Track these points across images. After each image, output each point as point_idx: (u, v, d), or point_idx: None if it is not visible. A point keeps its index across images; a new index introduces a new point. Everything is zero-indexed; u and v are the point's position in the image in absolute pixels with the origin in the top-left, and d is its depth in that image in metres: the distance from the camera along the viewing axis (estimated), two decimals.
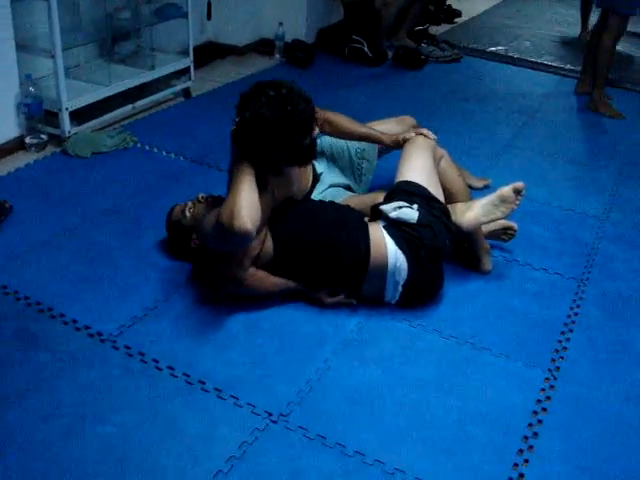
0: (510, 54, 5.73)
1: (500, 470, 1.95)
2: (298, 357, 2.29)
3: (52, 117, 3.53)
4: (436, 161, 2.70)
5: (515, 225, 2.87)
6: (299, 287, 2.50)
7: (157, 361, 2.23)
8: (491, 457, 1.99)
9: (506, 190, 2.62)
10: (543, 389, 2.25)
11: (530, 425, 2.10)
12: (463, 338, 2.44)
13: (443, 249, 2.50)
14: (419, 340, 2.42)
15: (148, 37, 4.16)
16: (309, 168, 2.78)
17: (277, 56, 5.20)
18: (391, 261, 2.42)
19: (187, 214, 2.60)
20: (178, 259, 2.70)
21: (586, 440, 2.07)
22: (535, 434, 2.07)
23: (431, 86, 4.97)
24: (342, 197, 2.83)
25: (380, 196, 2.64)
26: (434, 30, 6.14)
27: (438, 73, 5.24)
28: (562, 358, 2.39)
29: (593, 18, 5.48)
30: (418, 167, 2.63)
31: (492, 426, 2.09)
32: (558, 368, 2.34)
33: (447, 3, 6.59)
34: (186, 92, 4.35)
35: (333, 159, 2.99)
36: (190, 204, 2.62)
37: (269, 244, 2.42)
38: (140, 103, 3.97)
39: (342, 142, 3.00)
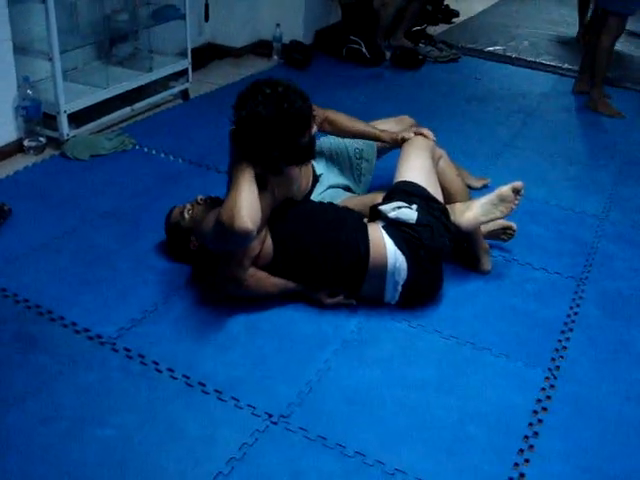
0: (508, 54, 5.73)
1: (501, 470, 1.95)
2: (298, 358, 2.29)
3: (50, 120, 3.53)
4: (435, 161, 2.71)
5: (514, 225, 2.87)
6: (299, 288, 2.50)
7: (157, 363, 2.22)
8: (492, 457, 1.98)
9: (505, 190, 2.61)
10: (543, 388, 2.25)
11: (530, 425, 2.10)
12: (463, 338, 2.44)
13: (442, 249, 2.50)
14: (419, 340, 2.42)
15: (146, 39, 4.16)
16: (309, 169, 2.79)
17: (275, 57, 5.20)
18: (390, 261, 2.42)
19: (186, 216, 2.59)
20: (177, 261, 2.70)
21: (587, 439, 2.07)
22: (535, 434, 2.07)
23: (429, 86, 4.97)
24: (341, 198, 2.83)
25: (379, 196, 2.64)
26: (432, 30, 6.14)
27: (436, 73, 5.25)
28: (562, 357, 2.39)
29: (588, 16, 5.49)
30: (417, 167, 2.63)
31: (492, 426, 2.09)
32: (558, 367, 2.34)
33: (445, 3, 6.59)
34: (184, 94, 4.35)
35: (332, 160, 2.99)
36: (189, 206, 2.62)
37: (269, 245, 2.42)
38: (138, 105, 3.97)
39: (341, 143, 3.00)
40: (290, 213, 2.50)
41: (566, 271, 2.86)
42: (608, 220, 3.30)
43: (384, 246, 2.43)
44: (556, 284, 2.79)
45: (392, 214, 2.47)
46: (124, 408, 2.05)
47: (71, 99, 3.53)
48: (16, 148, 3.51)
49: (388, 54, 5.38)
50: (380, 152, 3.08)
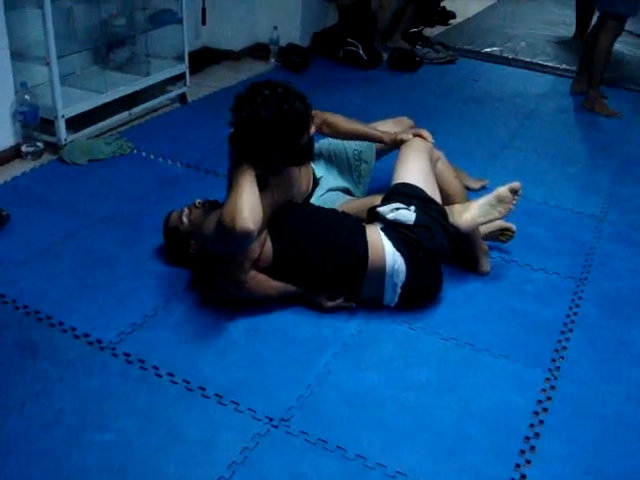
0: (505, 55, 5.74)
1: (502, 471, 1.95)
2: (298, 361, 2.29)
3: (48, 125, 3.53)
4: (433, 163, 2.71)
5: (513, 226, 2.87)
6: (298, 291, 2.50)
7: (157, 368, 2.22)
8: (493, 458, 1.98)
9: (503, 190, 2.62)
10: (544, 389, 2.25)
11: (531, 426, 2.10)
12: (463, 339, 2.44)
13: (441, 250, 2.50)
14: (419, 342, 2.42)
15: (143, 43, 4.16)
16: (309, 171, 2.79)
17: (272, 60, 5.20)
18: (389, 263, 2.42)
19: (184, 220, 2.59)
20: (176, 265, 2.70)
21: (587, 440, 2.07)
22: (536, 434, 2.07)
23: (426, 88, 4.97)
24: (340, 201, 2.83)
25: (377, 199, 2.64)
26: (428, 32, 6.15)
27: (433, 75, 5.25)
28: (562, 358, 2.39)
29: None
30: (415, 169, 2.63)
31: (493, 427, 2.08)
32: (558, 368, 2.34)
33: (441, 5, 6.59)
34: (182, 98, 4.35)
35: (331, 162, 2.99)
36: (187, 210, 2.62)
37: (268, 248, 2.42)
38: (136, 109, 3.97)
39: (340, 144, 3.00)
40: (289, 216, 2.50)
41: (565, 271, 2.86)
42: (607, 220, 3.30)
43: (382, 248, 2.43)
44: (555, 285, 2.79)
45: (390, 215, 2.47)
46: (124, 413, 2.05)
47: (69, 104, 3.53)
48: (14, 153, 3.51)
49: (385, 56, 5.39)
50: (379, 154, 3.08)
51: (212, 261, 2.51)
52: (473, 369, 2.32)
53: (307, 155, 2.46)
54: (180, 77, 4.29)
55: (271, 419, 2.06)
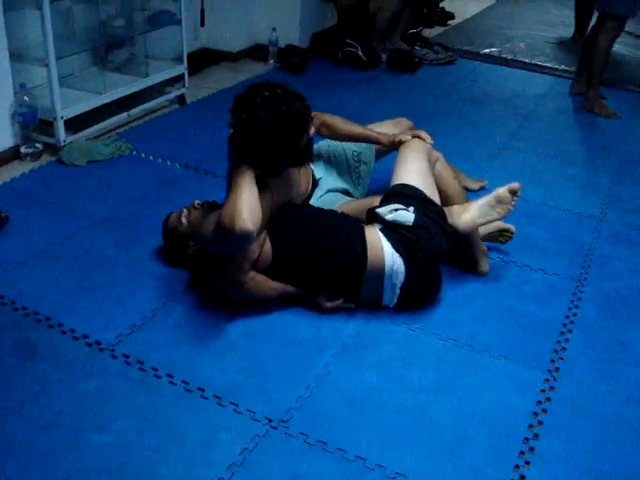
0: (504, 56, 5.74)
1: (501, 472, 1.95)
2: (297, 362, 2.29)
3: (47, 126, 3.53)
4: (431, 164, 2.71)
5: (513, 227, 2.88)
6: (298, 292, 2.50)
7: (156, 369, 2.22)
8: (492, 459, 1.98)
9: (502, 191, 2.62)
10: (543, 390, 2.25)
11: (531, 426, 2.10)
12: (462, 340, 2.44)
13: (440, 251, 2.50)
14: (418, 343, 2.42)
15: (142, 45, 4.16)
16: (308, 172, 2.79)
17: (271, 61, 5.20)
18: (388, 264, 2.42)
19: (183, 221, 2.59)
20: (175, 266, 2.70)
21: (587, 440, 2.07)
22: (536, 435, 2.07)
23: (425, 89, 4.97)
24: (340, 202, 2.83)
25: (376, 200, 2.64)
26: (427, 33, 6.15)
27: (432, 76, 5.25)
28: (561, 359, 2.39)
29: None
30: (414, 170, 2.63)
31: (493, 428, 2.08)
32: (557, 369, 2.34)
33: (440, 6, 6.60)
34: (181, 99, 4.35)
35: (330, 163, 2.99)
36: (186, 211, 2.62)
37: (268, 249, 2.42)
38: (135, 111, 3.97)
39: (339, 146, 3.00)
40: (289, 217, 2.50)
41: (564, 272, 2.86)
42: (605, 221, 3.30)
43: (381, 248, 2.43)
44: (554, 285, 2.79)
45: (389, 216, 2.47)
46: (123, 414, 2.05)
47: (67, 105, 3.53)
48: (13, 155, 3.51)
49: (384, 57, 5.39)
50: (378, 155, 3.08)
51: (211, 262, 2.51)
52: (472, 370, 2.32)
53: (306, 156, 2.47)
54: (179, 78, 4.29)
55: (270, 420, 2.06)
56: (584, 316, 2.62)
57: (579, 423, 2.13)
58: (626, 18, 4.47)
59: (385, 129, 2.95)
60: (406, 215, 2.46)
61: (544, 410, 2.17)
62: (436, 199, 2.60)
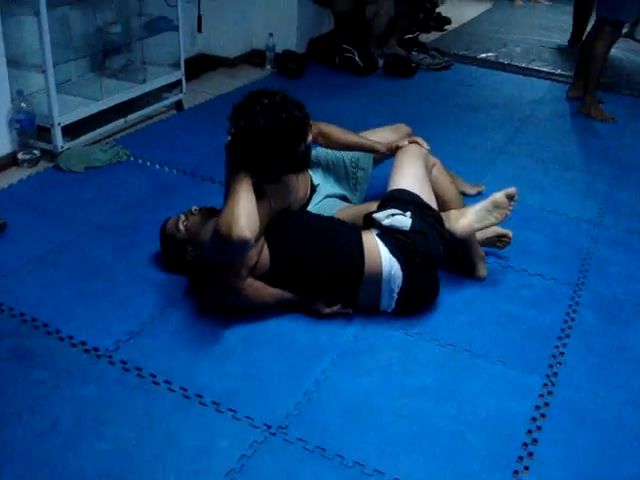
0: (500, 60, 5.76)
1: (500, 478, 1.95)
2: (295, 368, 2.29)
3: (44, 132, 3.53)
4: (428, 169, 2.71)
5: (510, 233, 2.88)
6: (296, 298, 2.49)
7: (154, 375, 2.22)
8: (491, 465, 1.98)
9: (499, 196, 2.62)
10: (541, 395, 2.25)
11: (529, 432, 2.10)
12: (460, 346, 2.44)
13: (437, 256, 2.50)
14: (416, 348, 2.42)
15: (139, 51, 4.17)
16: (307, 178, 2.80)
17: (268, 67, 5.21)
18: (385, 269, 2.42)
19: (181, 227, 2.59)
20: (173, 272, 2.70)
21: (586, 445, 2.07)
22: (534, 441, 2.07)
23: (422, 94, 4.98)
24: (338, 207, 2.83)
25: (374, 205, 2.64)
26: (424, 38, 6.16)
27: (429, 81, 5.26)
28: (559, 364, 2.39)
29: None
30: (410, 175, 2.63)
31: (491, 434, 2.08)
32: (556, 374, 2.34)
33: (437, 11, 6.61)
34: (178, 105, 4.35)
35: (328, 169, 2.99)
36: (183, 217, 2.62)
37: (266, 255, 2.42)
38: (132, 117, 3.97)
39: (337, 152, 3.00)
40: (286, 224, 2.50)
41: (562, 277, 2.87)
42: (603, 225, 3.31)
43: (379, 253, 2.43)
44: (552, 290, 2.79)
45: (386, 221, 2.47)
46: (121, 421, 2.05)
47: (65, 111, 3.53)
48: (10, 161, 3.50)
49: (381, 62, 5.40)
50: (376, 161, 3.08)
51: (209, 268, 2.51)
52: (470, 375, 2.31)
53: (304, 163, 2.47)
54: (176, 84, 4.29)
55: (269, 426, 2.05)
56: (582, 321, 2.62)
57: (578, 428, 2.13)
58: (624, 23, 4.49)
59: (384, 135, 2.96)
60: (403, 220, 2.46)
61: (543, 415, 2.17)
62: (433, 204, 2.60)
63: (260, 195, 2.34)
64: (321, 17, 5.55)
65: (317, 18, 5.51)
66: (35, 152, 3.53)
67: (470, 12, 7.31)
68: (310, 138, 2.42)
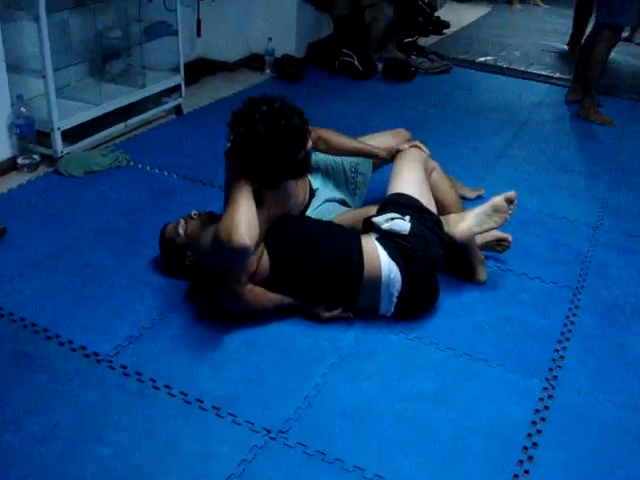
0: (499, 64, 5.77)
1: None
2: (295, 373, 2.29)
3: (44, 137, 3.53)
4: (428, 173, 2.71)
5: (509, 237, 2.88)
6: (296, 303, 2.49)
7: (154, 380, 2.22)
8: (491, 469, 1.98)
9: (498, 200, 2.62)
10: (541, 399, 2.25)
11: (529, 435, 2.10)
12: (460, 350, 2.44)
13: (436, 260, 2.51)
14: (416, 352, 2.42)
15: (138, 55, 4.17)
16: (306, 183, 2.80)
17: (268, 71, 5.22)
18: (385, 273, 2.42)
19: (180, 232, 2.59)
20: (173, 277, 2.70)
21: (586, 449, 2.07)
22: (535, 444, 2.07)
23: (421, 98, 4.99)
24: (337, 212, 2.83)
25: (373, 210, 2.64)
26: (423, 42, 6.18)
27: (428, 85, 5.27)
28: (559, 367, 2.39)
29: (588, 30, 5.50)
30: (410, 179, 2.64)
31: (491, 437, 2.08)
32: (556, 377, 2.34)
33: (435, 14, 6.62)
34: (178, 109, 4.36)
35: (328, 174, 2.99)
36: (182, 221, 2.62)
37: (265, 261, 2.42)
38: (132, 121, 3.97)
39: (337, 157, 3.00)
40: (286, 229, 2.50)
41: (561, 280, 2.87)
42: (602, 228, 3.31)
43: (378, 257, 2.43)
44: (552, 293, 2.79)
45: (385, 225, 2.47)
46: (121, 426, 2.04)
47: (64, 116, 3.53)
48: (10, 166, 3.51)
49: (380, 66, 5.41)
50: (375, 165, 3.08)
51: (209, 273, 2.51)
52: (470, 379, 2.31)
53: (304, 169, 2.47)
54: (176, 89, 4.30)
55: (269, 431, 2.05)
56: (582, 324, 2.62)
57: (578, 431, 2.13)
58: (622, 28, 4.50)
59: (384, 140, 2.96)
60: (402, 224, 2.46)
61: (543, 419, 2.17)
62: (432, 208, 2.60)
63: (259, 201, 2.34)
64: (320, 21, 5.56)
65: (316, 22, 5.52)
66: (35, 157, 3.54)
67: (469, 16, 7.33)
68: (310, 144, 2.42)
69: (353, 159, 3.00)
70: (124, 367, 2.26)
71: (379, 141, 2.95)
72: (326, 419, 2.11)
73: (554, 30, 6.84)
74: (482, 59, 5.87)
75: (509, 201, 2.62)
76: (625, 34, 5.65)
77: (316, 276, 2.43)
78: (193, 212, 2.64)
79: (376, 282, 2.44)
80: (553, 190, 3.67)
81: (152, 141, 3.97)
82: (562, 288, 2.82)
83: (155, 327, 2.46)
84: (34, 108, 3.51)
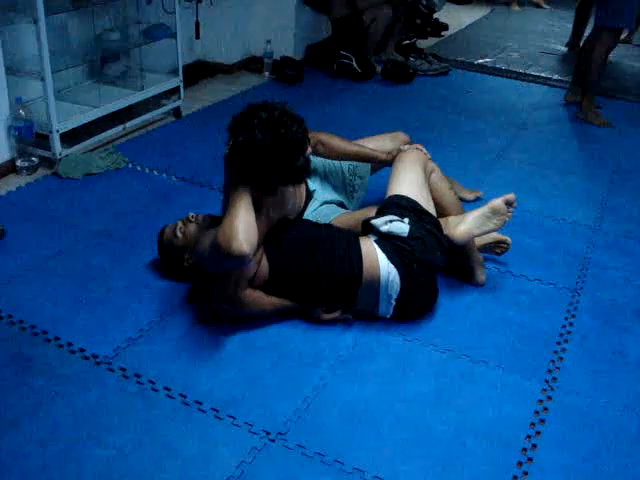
0: (498, 66, 5.78)
1: None
2: (294, 375, 2.29)
3: (43, 139, 3.53)
4: (427, 175, 2.71)
5: (509, 239, 2.88)
6: (295, 306, 2.49)
7: (153, 382, 2.22)
8: (490, 470, 1.98)
9: (497, 202, 2.62)
10: (540, 400, 2.25)
11: (528, 437, 2.10)
12: (459, 351, 2.44)
13: (435, 262, 2.51)
14: (415, 354, 2.42)
15: (137, 58, 4.17)
16: (302, 186, 2.79)
17: (266, 73, 5.22)
18: (383, 275, 2.42)
19: (178, 234, 2.59)
20: (171, 279, 2.70)
21: (585, 450, 2.07)
22: (534, 446, 2.07)
23: (420, 99, 4.99)
24: (335, 214, 2.83)
25: (371, 211, 2.64)
26: (422, 44, 6.18)
27: (427, 86, 5.27)
28: (558, 369, 2.39)
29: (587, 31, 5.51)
30: (409, 181, 2.64)
31: (490, 439, 2.08)
32: (555, 379, 2.34)
33: (434, 16, 6.62)
34: (176, 111, 4.36)
35: (326, 176, 2.99)
36: (180, 224, 2.62)
37: (264, 265, 2.42)
38: (131, 123, 3.98)
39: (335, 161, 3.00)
40: (284, 233, 2.50)
41: (560, 282, 2.87)
42: (601, 230, 3.31)
43: (377, 260, 2.44)
44: (551, 295, 2.79)
45: (384, 228, 2.47)
46: (121, 428, 2.04)
47: (63, 118, 3.54)
48: (9, 168, 3.51)
49: (379, 68, 5.41)
50: (374, 168, 3.09)
51: (207, 275, 2.51)
52: (469, 381, 2.32)
53: (303, 175, 2.46)
54: (174, 91, 4.30)
55: (268, 433, 2.05)
56: (580, 326, 2.62)
57: (577, 433, 2.13)
58: (622, 30, 4.51)
59: (382, 143, 2.97)
60: (401, 226, 2.46)
61: (542, 420, 2.17)
62: (431, 210, 2.60)
63: (258, 207, 2.33)
64: (319, 23, 5.56)
65: (315, 24, 5.53)
66: (34, 159, 3.54)
67: (467, 18, 7.33)
68: (309, 151, 2.41)
69: (351, 162, 3.00)
70: (123, 369, 2.26)
71: (377, 144, 2.95)
72: (325, 421, 2.11)
73: (553, 32, 6.85)
74: (481, 61, 5.88)
75: (508, 203, 2.63)
76: (623, 35, 5.65)
77: (315, 279, 2.43)
78: (191, 214, 2.63)
79: (375, 284, 2.44)
80: (552, 192, 3.67)
81: (151, 143, 3.97)
82: (561, 290, 2.83)
83: (154, 329, 2.46)
84: (33, 110, 3.51)
